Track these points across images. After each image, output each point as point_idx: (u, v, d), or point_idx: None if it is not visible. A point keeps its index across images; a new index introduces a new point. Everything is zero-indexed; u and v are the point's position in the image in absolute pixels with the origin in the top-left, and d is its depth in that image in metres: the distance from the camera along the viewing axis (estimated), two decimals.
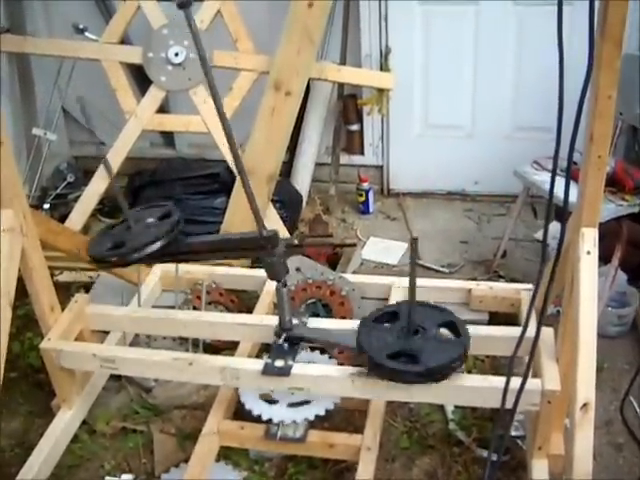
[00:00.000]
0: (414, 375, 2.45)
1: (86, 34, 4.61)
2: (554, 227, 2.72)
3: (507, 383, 2.48)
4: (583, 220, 2.41)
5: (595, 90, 2.17)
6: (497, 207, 4.93)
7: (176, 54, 4.20)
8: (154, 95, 4.29)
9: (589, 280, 2.38)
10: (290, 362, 2.70)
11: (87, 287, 4.08)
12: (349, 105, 4.86)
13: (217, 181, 4.41)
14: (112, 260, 2.81)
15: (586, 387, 2.32)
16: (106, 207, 4.90)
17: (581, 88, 2.05)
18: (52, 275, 3.22)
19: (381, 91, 4.48)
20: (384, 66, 4.64)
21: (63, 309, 3.10)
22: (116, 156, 4.29)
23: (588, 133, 2.27)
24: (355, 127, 4.99)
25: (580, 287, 2.38)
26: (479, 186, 4.99)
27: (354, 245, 4.42)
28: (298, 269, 3.55)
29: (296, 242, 4.15)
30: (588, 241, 2.41)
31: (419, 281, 3.11)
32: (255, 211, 2.58)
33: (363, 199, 4.87)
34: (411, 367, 2.45)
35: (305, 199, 4.76)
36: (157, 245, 2.74)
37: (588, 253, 2.40)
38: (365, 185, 4.84)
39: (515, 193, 4.27)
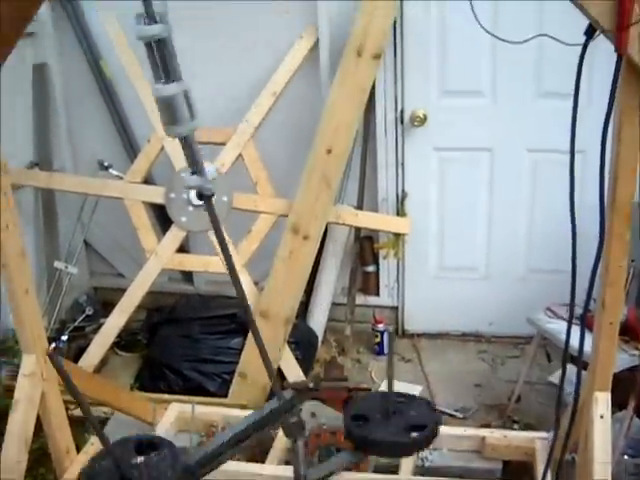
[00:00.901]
0: None
1: (110, 171, 4.75)
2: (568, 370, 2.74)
3: None
4: (596, 384, 2.44)
5: (606, 260, 2.23)
6: (511, 349, 4.92)
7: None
8: (175, 235, 4.39)
9: (602, 443, 2.41)
10: None
11: (102, 422, 4.08)
12: (366, 247, 4.92)
13: (234, 321, 4.44)
14: None
15: None
16: (123, 341, 4.94)
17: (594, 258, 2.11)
18: (67, 409, 3.23)
19: (397, 236, 4.58)
20: (400, 210, 4.72)
21: (76, 443, 3.11)
22: (136, 292, 4.38)
23: (599, 300, 2.32)
24: (371, 268, 5.03)
25: (594, 449, 2.40)
26: (493, 327, 5.00)
27: (369, 389, 4.43)
28: (313, 414, 3.57)
29: (311, 385, 4.16)
30: (601, 405, 2.43)
31: None
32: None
33: (378, 340, 4.87)
34: None
35: (320, 339, 4.78)
36: None
37: (601, 417, 2.42)
38: (380, 326, 4.85)
39: (529, 334, 4.28)
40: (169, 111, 1.92)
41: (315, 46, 4.45)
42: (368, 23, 4.20)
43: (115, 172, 4.77)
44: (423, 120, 4.55)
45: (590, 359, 2.51)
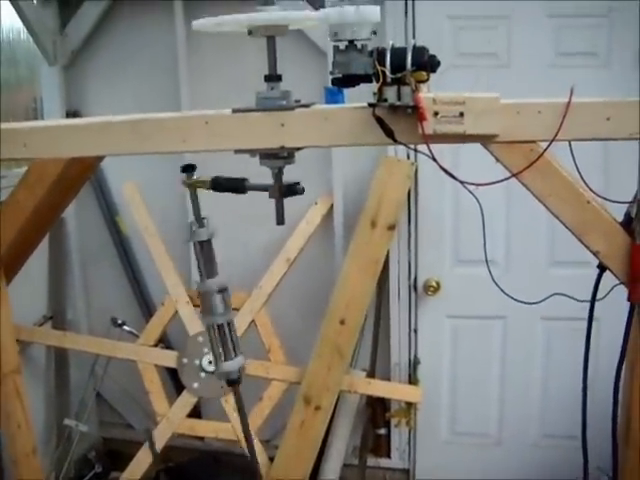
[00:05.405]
0: None
1: (124, 327, 4.77)
2: None
3: None
4: None
5: None
6: None
7: (210, 362, 4.29)
8: (186, 400, 4.38)
9: None
10: None
11: None
12: (377, 409, 4.86)
13: None
14: None
15: None
16: None
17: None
18: None
19: (409, 404, 4.55)
20: (413, 376, 4.70)
21: None
22: (145, 459, 4.33)
23: None
24: (382, 431, 4.96)
25: None
26: None
27: None
28: None
29: None
30: None
31: None
32: None
33: None
34: None
35: None
36: None
37: None
38: None
39: None
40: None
41: (329, 212, 4.50)
42: (383, 194, 4.26)
43: (128, 328, 4.79)
44: (437, 288, 4.58)
45: None
